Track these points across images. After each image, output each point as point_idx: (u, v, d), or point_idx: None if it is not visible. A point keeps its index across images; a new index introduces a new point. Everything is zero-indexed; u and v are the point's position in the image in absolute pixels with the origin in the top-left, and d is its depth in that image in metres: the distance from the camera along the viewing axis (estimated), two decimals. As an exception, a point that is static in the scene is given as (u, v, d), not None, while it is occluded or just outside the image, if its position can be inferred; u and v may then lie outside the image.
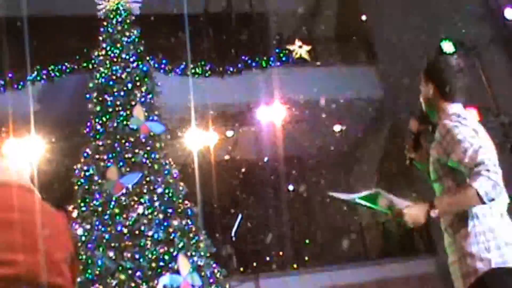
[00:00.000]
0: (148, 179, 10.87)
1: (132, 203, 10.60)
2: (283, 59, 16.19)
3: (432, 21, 13.92)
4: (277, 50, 16.29)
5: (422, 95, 3.97)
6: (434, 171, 3.80)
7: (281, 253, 15.99)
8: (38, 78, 14.82)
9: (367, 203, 3.78)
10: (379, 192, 3.77)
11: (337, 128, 17.07)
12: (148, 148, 11.19)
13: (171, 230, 10.53)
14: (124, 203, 10.60)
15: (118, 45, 12.27)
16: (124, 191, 10.61)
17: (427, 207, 3.56)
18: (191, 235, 10.70)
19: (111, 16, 12.56)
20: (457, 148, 3.55)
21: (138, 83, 11.88)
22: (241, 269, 15.05)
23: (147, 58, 12.95)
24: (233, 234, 15.64)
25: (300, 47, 16.25)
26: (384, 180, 16.35)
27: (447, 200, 3.60)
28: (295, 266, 15.60)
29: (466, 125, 3.66)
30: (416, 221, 3.59)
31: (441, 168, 3.72)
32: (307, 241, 16.54)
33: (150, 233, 10.35)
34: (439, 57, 3.93)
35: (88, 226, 10.50)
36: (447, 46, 12.18)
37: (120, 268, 10.13)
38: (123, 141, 11.15)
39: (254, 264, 15.71)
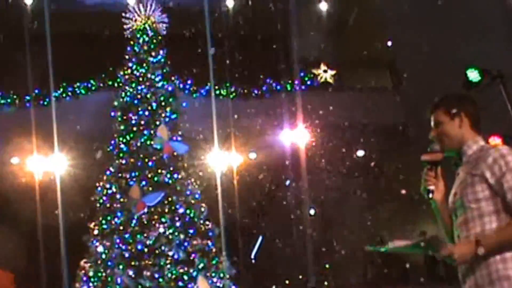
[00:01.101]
0: (170, 199, 10.89)
1: (153, 222, 10.62)
2: (308, 82, 16.19)
3: (458, 48, 13.88)
4: (302, 74, 16.30)
5: (443, 129, 3.92)
6: (461, 198, 3.75)
7: (300, 276, 15.90)
8: (64, 95, 14.94)
9: (408, 249, 3.83)
10: (418, 245, 3.79)
11: (360, 153, 17.02)
12: (171, 168, 11.22)
13: (191, 250, 10.54)
14: (145, 222, 10.62)
15: (144, 65, 12.33)
16: (145, 210, 10.62)
17: (474, 245, 3.55)
18: (211, 256, 10.69)
19: (138, 35, 12.63)
20: (510, 175, 3.54)
21: (162, 103, 11.93)
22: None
23: (172, 78, 13.01)
24: (253, 256, 15.59)
25: (325, 71, 16.26)
26: (406, 206, 16.27)
27: (493, 237, 3.58)
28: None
29: None
30: (464, 259, 3.59)
31: (480, 191, 3.66)
32: (327, 265, 16.43)
33: (170, 253, 10.37)
34: (463, 91, 3.96)
35: (108, 244, 10.53)
36: (473, 75, 12.06)
37: (139, 286, 10.13)
38: (146, 160, 11.19)
39: (274, 287, 15.65)
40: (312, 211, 16.33)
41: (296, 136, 15.37)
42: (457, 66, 12.58)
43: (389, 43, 17.66)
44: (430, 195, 3.97)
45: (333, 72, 16.35)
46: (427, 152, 4.01)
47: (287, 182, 16.26)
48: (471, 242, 3.55)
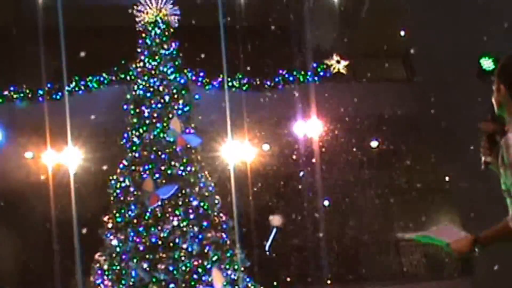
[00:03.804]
0: (183, 191, 10.88)
1: (167, 215, 10.61)
2: (321, 73, 16.13)
3: (473, 37, 13.76)
4: (314, 65, 16.23)
5: (494, 97, 3.79)
6: (503, 180, 3.65)
7: (315, 268, 15.88)
8: (76, 88, 14.95)
9: (426, 239, 3.82)
10: (434, 238, 3.78)
11: (374, 144, 16.96)
12: (184, 160, 11.21)
13: (205, 243, 10.54)
14: (159, 215, 10.61)
15: (156, 57, 12.30)
16: (159, 203, 10.62)
17: (472, 242, 3.56)
18: (225, 248, 10.68)
19: (150, 28, 12.60)
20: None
21: (175, 96, 11.91)
22: (275, 283, 14.96)
23: (185, 70, 12.98)
24: (267, 248, 15.57)
25: (338, 62, 16.17)
26: (419, 196, 16.23)
27: (491, 233, 3.57)
28: (328, 282, 15.49)
29: None
30: (462, 254, 3.61)
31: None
32: (341, 256, 16.40)
33: (184, 246, 10.36)
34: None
35: (122, 237, 10.54)
36: (487, 63, 11.95)
37: (154, 279, 10.13)
38: (159, 153, 11.18)
39: (288, 278, 15.64)
40: (326, 203, 16.28)
41: (309, 128, 15.33)
42: (472, 56, 12.51)
43: (402, 33, 17.57)
44: (482, 167, 3.84)
45: (346, 63, 16.25)
46: (484, 120, 3.89)
47: (301, 174, 16.22)
48: (469, 240, 3.57)
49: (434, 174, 16.75)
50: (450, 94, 14.99)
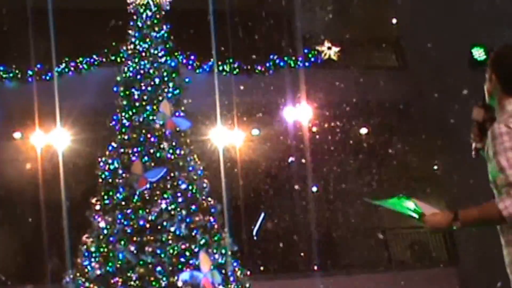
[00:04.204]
0: (172, 174, 10.86)
1: (155, 198, 10.60)
2: (312, 59, 16.12)
3: (464, 27, 13.77)
4: (305, 51, 16.22)
5: (486, 86, 3.77)
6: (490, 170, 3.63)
7: (302, 254, 15.92)
8: (66, 70, 14.89)
9: (397, 207, 3.70)
10: (409, 197, 3.67)
11: (363, 130, 16.98)
12: (174, 143, 11.18)
13: (193, 226, 10.53)
14: (147, 197, 10.60)
15: (147, 40, 12.24)
16: (148, 185, 10.61)
17: (451, 217, 3.47)
18: (213, 232, 10.69)
19: (141, 10, 12.53)
20: (496, 160, 3.42)
21: (165, 78, 11.86)
22: (261, 268, 15.00)
23: (176, 53, 12.93)
24: (254, 232, 15.61)
25: (329, 48, 16.16)
26: (409, 185, 16.26)
27: (472, 213, 3.49)
28: (315, 268, 15.53)
29: None
30: (437, 229, 3.53)
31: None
32: (328, 243, 16.43)
33: (172, 229, 10.35)
34: (506, 48, 3.72)
35: (110, 219, 10.52)
36: (478, 53, 11.91)
37: (141, 262, 10.13)
38: (149, 135, 11.15)
39: (275, 264, 15.68)
40: (314, 189, 16.31)
41: (299, 113, 15.34)
42: (462, 45, 12.51)
43: (394, 21, 17.57)
44: (473, 153, 3.83)
45: (337, 50, 16.25)
46: (476, 105, 3.86)
47: (290, 159, 16.23)
48: (448, 214, 3.48)
49: (424, 162, 16.80)
50: (441, 83, 15.01)
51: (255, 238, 15.62)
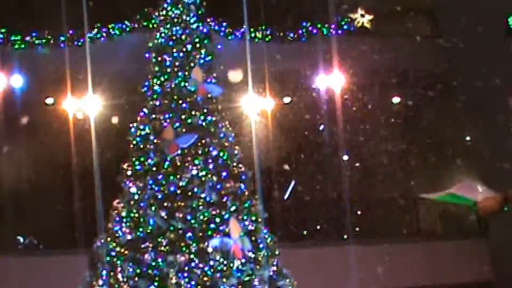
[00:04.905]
0: (203, 141, 10.83)
1: (186, 164, 10.58)
2: (345, 27, 15.97)
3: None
4: (338, 18, 16.07)
5: None
6: None
7: (331, 222, 15.93)
8: (98, 35, 14.90)
9: (452, 200, 3.70)
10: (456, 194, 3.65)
11: (396, 100, 16.86)
12: (205, 110, 11.13)
13: (223, 193, 10.51)
14: (178, 163, 10.59)
15: (179, 6, 12.14)
16: (179, 152, 10.60)
17: (502, 200, 3.43)
18: (243, 199, 10.67)
19: (173, -24, 12.45)
20: None
21: (197, 45, 11.78)
22: (291, 236, 15.03)
23: (208, 20, 12.87)
24: (285, 199, 15.62)
25: (363, 16, 16.00)
26: (441, 154, 16.16)
27: None
28: (344, 236, 15.54)
29: None
30: (490, 213, 3.49)
31: None
32: (358, 212, 16.40)
33: (202, 195, 10.34)
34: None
35: (141, 185, 10.54)
36: (515, 22, 11.71)
37: (171, 228, 10.16)
38: (180, 102, 11.10)
39: (304, 232, 15.71)
40: (345, 157, 16.25)
41: (331, 81, 15.25)
42: (499, 14, 12.31)
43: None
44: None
45: (370, 17, 16.08)
46: None
47: (321, 127, 16.17)
48: (499, 198, 3.44)
49: (457, 132, 16.64)
50: (475, 52, 14.82)
51: (285, 204, 15.62)
